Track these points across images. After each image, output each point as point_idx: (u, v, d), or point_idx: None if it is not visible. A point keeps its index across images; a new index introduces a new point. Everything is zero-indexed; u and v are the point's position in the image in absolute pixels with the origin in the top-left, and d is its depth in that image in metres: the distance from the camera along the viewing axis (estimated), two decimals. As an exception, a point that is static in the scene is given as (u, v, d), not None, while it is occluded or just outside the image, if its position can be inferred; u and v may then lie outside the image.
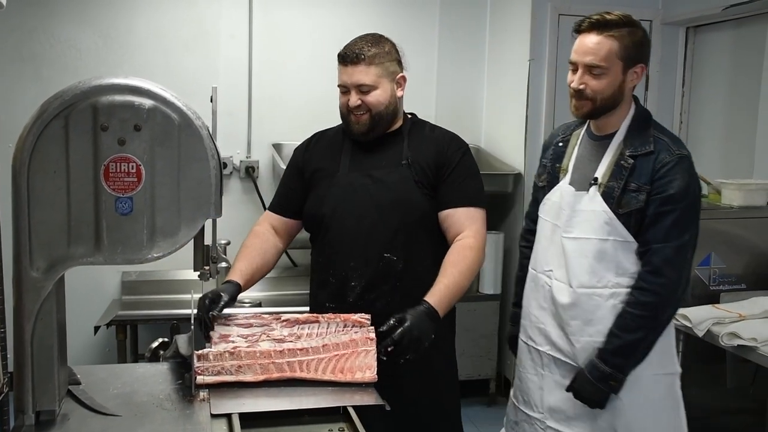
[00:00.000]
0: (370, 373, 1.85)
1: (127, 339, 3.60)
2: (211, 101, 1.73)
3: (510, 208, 4.24)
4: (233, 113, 4.12)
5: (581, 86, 2.01)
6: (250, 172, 4.19)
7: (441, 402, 2.22)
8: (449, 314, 2.10)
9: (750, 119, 3.76)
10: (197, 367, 1.78)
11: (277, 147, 4.10)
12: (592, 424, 2.06)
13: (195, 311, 1.88)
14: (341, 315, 1.97)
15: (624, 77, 2.01)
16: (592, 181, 2.05)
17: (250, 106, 4.19)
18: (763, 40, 3.68)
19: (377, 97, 2.12)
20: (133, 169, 1.54)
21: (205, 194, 1.59)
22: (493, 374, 4.23)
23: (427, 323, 1.92)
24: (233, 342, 1.86)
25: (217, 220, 1.67)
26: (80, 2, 3.96)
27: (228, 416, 1.63)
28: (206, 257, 1.74)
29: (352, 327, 1.94)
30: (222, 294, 1.98)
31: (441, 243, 2.15)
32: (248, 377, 1.80)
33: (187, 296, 1.98)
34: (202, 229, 1.65)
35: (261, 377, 1.81)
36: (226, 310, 1.97)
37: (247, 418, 1.62)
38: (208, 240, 1.72)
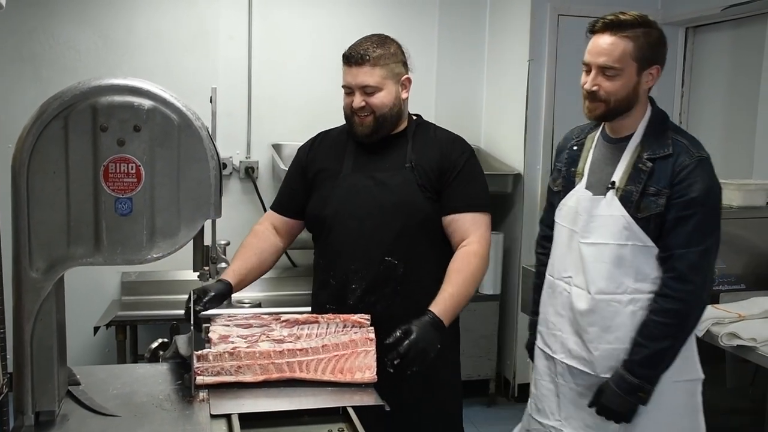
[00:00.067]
0: (369, 374, 1.85)
1: (127, 339, 3.60)
2: (211, 102, 1.73)
3: (509, 208, 4.25)
4: (233, 114, 4.12)
5: (594, 88, 1.97)
6: (249, 172, 4.19)
7: (443, 404, 2.21)
8: (453, 322, 2.08)
9: (749, 119, 3.76)
10: (197, 367, 1.78)
11: (277, 147, 4.10)
12: None
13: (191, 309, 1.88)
14: (341, 315, 1.96)
15: (639, 79, 1.96)
16: (610, 185, 2.00)
17: (250, 107, 4.19)
18: (762, 40, 3.68)
19: (381, 98, 2.10)
20: (132, 169, 1.54)
21: (204, 195, 1.59)
22: (492, 375, 4.24)
23: (432, 334, 1.91)
24: (233, 342, 1.86)
25: (217, 220, 1.67)
26: (80, 3, 3.96)
27: (227, 417, 1.63)
28: (206, 258, 1.74)
29: (351, 327, 1.94)
30: (209, 290, 1.98)
31: (443, 247, 2.13)
32: (248, 378, 1.80)
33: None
34: (202, 229, 1.65)
35: (260, 378, 1.81)
36: (218, 310, 1.97)
37: (246, 419, 1.62)
38: (207, 240, 1.72)
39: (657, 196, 1.93)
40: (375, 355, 1.88)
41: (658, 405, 1.98)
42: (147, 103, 1.53)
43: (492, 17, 4.45)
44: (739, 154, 3.88)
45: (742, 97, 3.90)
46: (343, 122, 2.23)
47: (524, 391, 4.26)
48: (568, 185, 2.14)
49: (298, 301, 3.77)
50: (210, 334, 1.89)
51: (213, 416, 1.64)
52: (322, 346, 1.86)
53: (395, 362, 1.84)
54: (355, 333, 1.92)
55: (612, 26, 1.95)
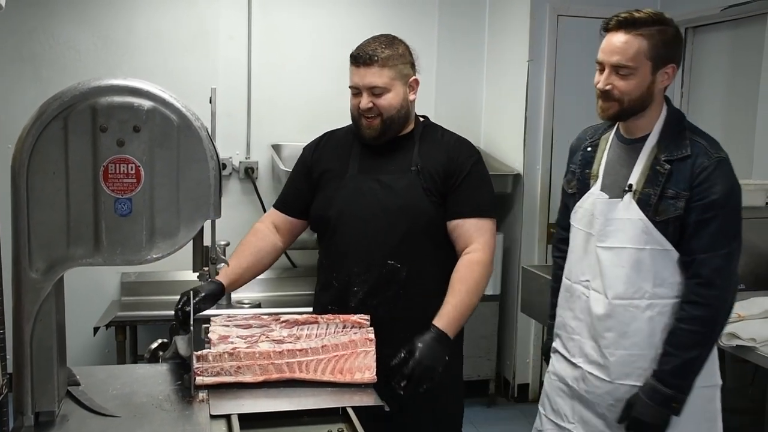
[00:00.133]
0: (369, 374, 1.85)
1: (127, 340, 3.60)
2: (210, 102, 1.73)
3: (509, 208, 4.25)
4: (232, 114, 4.12)
5: (607, 87, 1.92)
6: (249, 173, 4.19)
7: (444, 406, 2.20)
8: (458, 334, 2.07)
9: (749, 119, 3.76)
10: (196, 367, 1.78)
11: (277, 148, 4.10)
12: None
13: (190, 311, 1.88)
14: (340, 316, 1.96)
15: (653, 78, 1.91)
16: (627, 188, 1.95)
17: (249, 107, 4.19)
18: (761, 41, 3.68)
19: (389, 100, 2.08)
20: (132, 170, 1.54)
21: (204, 195, 1.59)
22: (492, 375, 4.24)
23: (437, 349, 1.91)
24: (232, 343, 1.86)
25: (216, 221, 1.67)
26: (80, 3, 3.96)
27: (227, 417, 1.63)
28: (205, 258, 1.74)
29: (351, 328, 1.94)
30: (199, 292, 1.97)
31: (447, 251, 2.12)
32: (247, 378, 1.80)
33: (187, 297, 1.98)
34: (202, 230, 1.65)
35: (260, 378, 1.81)
36: (218, 310, 1.97)
37: (246, 419, 1.62)
38: (207, 241, 1.72)
39: (676, 198, 1.89)
40: (375, 356, 1.88)
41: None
42: (147, 103, 1.53)
43: (491, 18, 4.45)
44: (739, 154, 3.86)
45: (741, 97, 3.90)
46: (346, 122, 2.22)
47: (524, 391, 4.28)
48: (583, 187, 2.09)
49: (297, 301, 3.77)
50: (210, 335, 1.89)
51: (213, 416, 1.64)
52: (322, 347, 1.86)
53: (402, 384, 1.86)
54: (355, 333, 1.92)
55: (626, 24, 1.89)
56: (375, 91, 2.07)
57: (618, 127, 2.06)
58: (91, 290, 3.92)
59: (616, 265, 1.96)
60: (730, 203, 1.89)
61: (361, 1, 4.30)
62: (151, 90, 1.55)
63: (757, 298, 2.99)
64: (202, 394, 1.75)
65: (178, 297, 1.98)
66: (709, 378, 1.99)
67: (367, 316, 1.96)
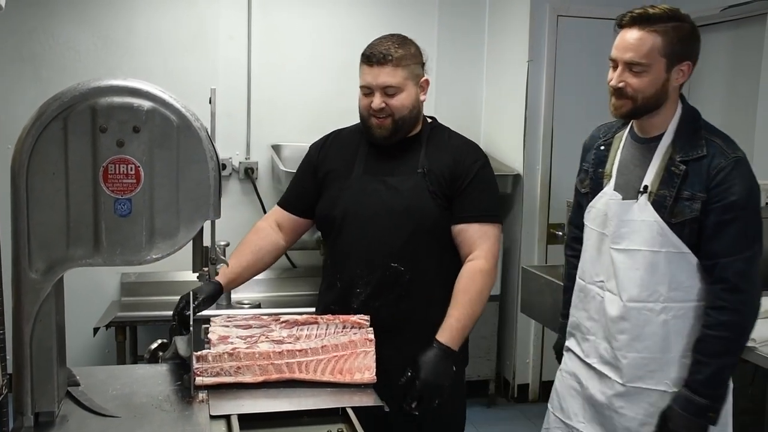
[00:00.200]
0: (369, 374, 1.85)
1: (127, 340, 3.60)
2: (210, 103, 1.73)
3: (509, 208, 4.25)
4: (232, 114, 4.12)
5: (620, 84, 1.88)
6: (249, 173, 4.19)
7: (445, 406, 2.18)
8: (462, 346, 2.06)
9: (748, 119, 3.76)
10: (196, 368, 1.78)
11: (276, 148, 4.10)
12: None
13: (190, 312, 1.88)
14: (340, 316, 1.97)
15: (668, 75, 1.87)
16: (642, 190, 1.91)
17: (249, 108, 4.19)
18: (761, 41, 3.68)
19: (402, 100, 2.06)
20: (131, 170, 1.54)
21: (204, 196, 1.59)
22: (492, 375, 4.24)
23: (442, 364, 1.92)
24: (232, 343, 1.86)
25: (216, 221, 1.67)
26: (80, 3, 3.96)
27: (227, 417, 1.63)
28: (205, 258, 1.74)
29: (351, 328, 1.94)
30: (198, 294, 1.98)
31: (451, 254, 2.11)
32: (247, 378, 1.80)
33: (186, 297, 1.98)
34: (201, 230, 1.65)
35: (260, 378, 1.81)
36: (218, 310, 1.97)
37: (246, 419, 1.62)
38: (207, 241, 1.72)
39: (692, 200, 1.85)
40: (374, 356, 1.89)
41: None
42: (146, 104, 1.53)
43: (491, 18, 4.45)
44: (739, 154, 3.88)
45: (741, 97, 3.90)
46: (346, 122, 2.22)
47: (524, 391, 4.28)
48: (596, 187, 2.06)
49: (297, 301, 3.78)
50: (209, 335, 1.89)
51: (212, 417, 1.64)
52: (322, 347, 1.87)
53: (413, 405, 1.89)
54: (355, 334, 1.92)
55: (640, 20, 1.85)
56: (388, 91, 2.05)
57: (632, 126, 2.03)
58: (91, 291, 3.92)
59: (630, 267, 1.93)
60: (750, 204, 1.84)
61: (361, 1, 4.30)
62: (150, 90, 1.55)
63: (756, 299, 2.99)
64: (201, 395, 1.75)
65: (178, 298, 1.98)
66: None
67: (366, 317, 1.96)
